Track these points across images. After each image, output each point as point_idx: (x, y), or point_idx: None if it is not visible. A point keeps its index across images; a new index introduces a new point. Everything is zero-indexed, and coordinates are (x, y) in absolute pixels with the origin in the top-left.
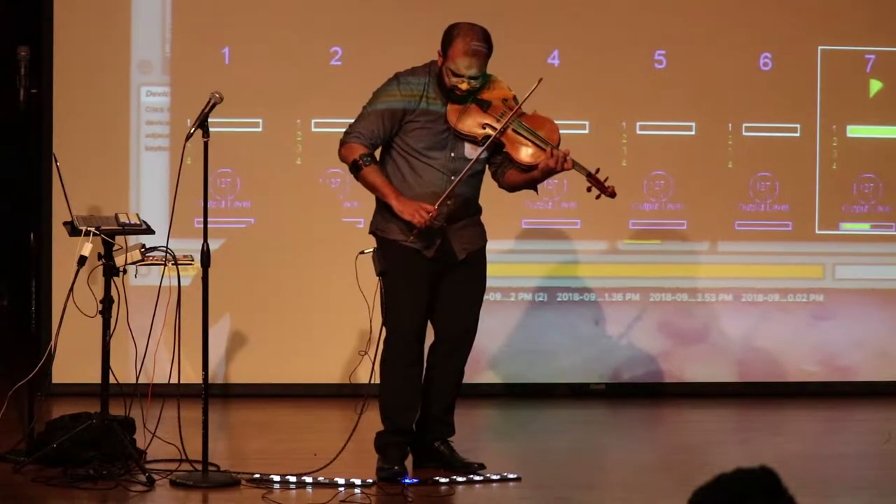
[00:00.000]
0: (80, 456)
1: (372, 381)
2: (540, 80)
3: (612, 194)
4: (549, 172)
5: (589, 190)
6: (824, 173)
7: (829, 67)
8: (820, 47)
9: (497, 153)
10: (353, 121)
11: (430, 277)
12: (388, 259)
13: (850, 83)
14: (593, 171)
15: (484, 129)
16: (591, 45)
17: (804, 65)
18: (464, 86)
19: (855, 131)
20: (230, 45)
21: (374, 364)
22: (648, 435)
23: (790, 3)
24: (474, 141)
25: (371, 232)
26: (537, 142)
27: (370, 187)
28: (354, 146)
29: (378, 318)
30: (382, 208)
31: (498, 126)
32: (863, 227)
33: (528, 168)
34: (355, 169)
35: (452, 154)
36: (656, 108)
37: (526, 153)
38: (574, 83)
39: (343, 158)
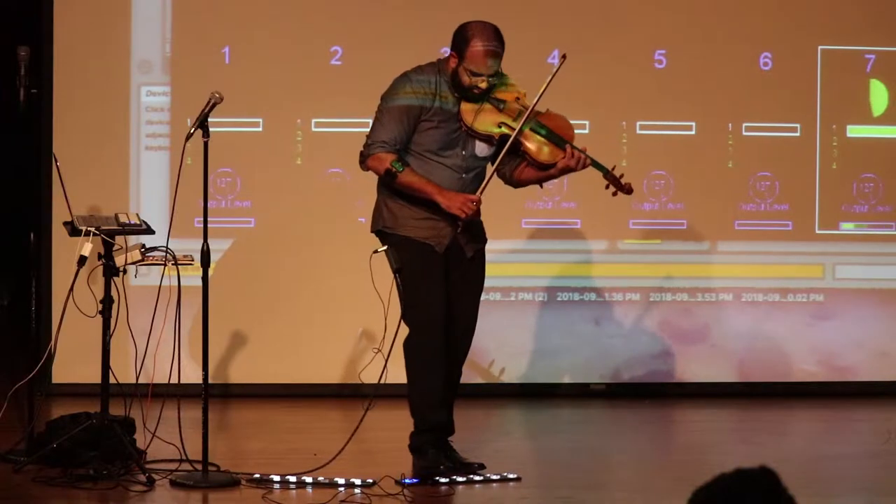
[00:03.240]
0: (80, 456)
1: (381, 381)
2: (557, 70)
3: (629, 191)
4: (566, 171)
5: (607, 187)
6: (824, 173)
7: (829, 67)
8: (820, 47)
9: (512, 152)
10: (370, 130)
11: (442, 271)
12: (403, 255)
13: (850, 83)
14: (610, 169)
15: (500, 127)
16: (591, 45)
17: (804, 65)
18: (484, 84)
19: (855, 131)
20: (230, 45)
21: (386, 363)
22: (648, 435)
23: (790, 3)
24: (489, 140)
25: (377, 230)
26: (555, 140)
27: (410, 190)
28: (381, 156)
29: (382, 318)
30: (387, 204)
31: (515, 125)
32: (863, 227)
33: (546, 167)
34: (391, 177)
35: (464, 153)
36: (656, 108)
37: (545, 152)
38: (574, 83)
39: (373, 170)
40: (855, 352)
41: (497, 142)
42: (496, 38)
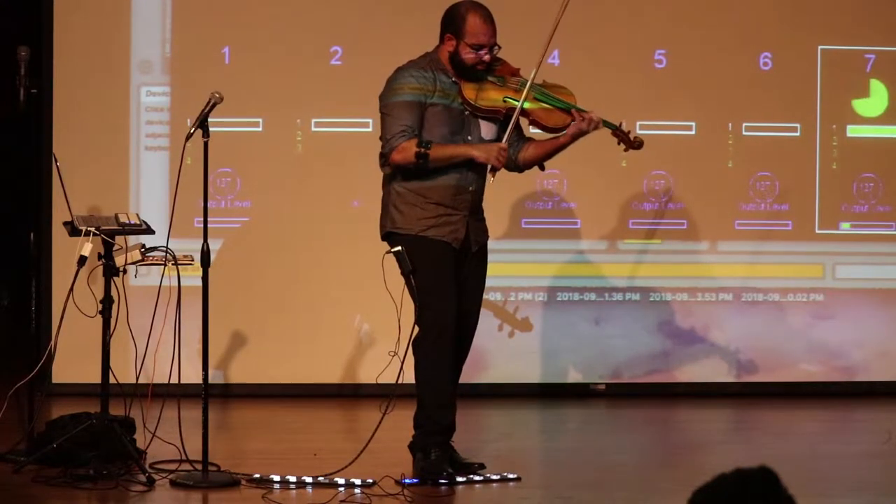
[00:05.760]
0: (80, 456)
1: (399, 382)
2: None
3: (640, 145)
4: (578, 135)
5: (619, 143)
6: (824, 173)
7: (829, 67)
8: (820, 47)
9: (520, 124)
10: (383, 130)
11: (454, 271)
12: (417, 255)
13: (850, 83)
14: (618, 125)
15: (505, 101)
16: (592, 45)
17: (804, 65)
18: (488, 56)
19: (855, 131)
20: (230, 45)
21: (402, 364)
22: (648, 435)
23: (790, 3)
24: (495, 117)
25: (387, 234)
26: (561, 106)
27: (447, 160)
28: (405, 145)
29: (383, 318)
30: (396, 206)
31: (518, 97)
32: (863, 227)
33: (556, 131)
34: (423, 159)
35: (470, 137)
36: (656, 108)
37: (553, 118)
38: (574, 83)
39: (401, 162)
40: (855, 352)
41: (503, 116)
42: (488, 10)
